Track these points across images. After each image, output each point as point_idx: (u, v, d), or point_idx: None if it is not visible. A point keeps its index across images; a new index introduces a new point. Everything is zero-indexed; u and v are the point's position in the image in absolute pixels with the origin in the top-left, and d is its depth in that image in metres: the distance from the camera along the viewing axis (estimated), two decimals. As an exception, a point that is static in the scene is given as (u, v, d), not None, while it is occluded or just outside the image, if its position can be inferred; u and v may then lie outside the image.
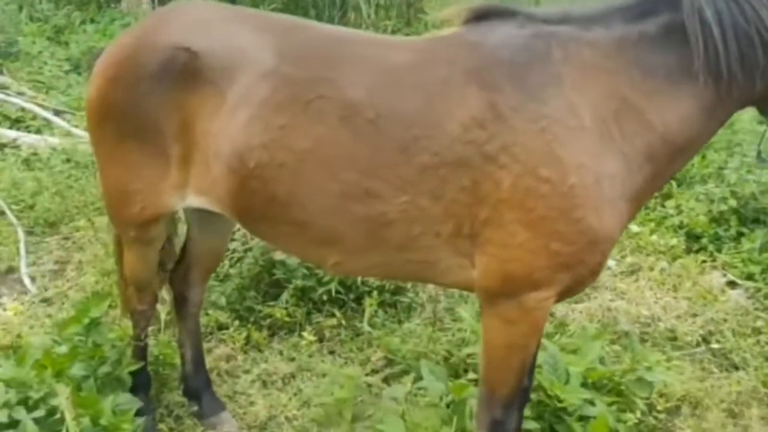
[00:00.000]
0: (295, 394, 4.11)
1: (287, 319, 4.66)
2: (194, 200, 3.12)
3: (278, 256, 4.73)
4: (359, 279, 4.78)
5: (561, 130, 2.57)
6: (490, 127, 2.60)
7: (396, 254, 2.84)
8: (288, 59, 2.82)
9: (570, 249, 2.64)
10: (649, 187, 2.77)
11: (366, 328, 4.52)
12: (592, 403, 3.52)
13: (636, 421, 3.66)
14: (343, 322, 4.69)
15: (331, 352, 4.52)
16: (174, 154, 2.99)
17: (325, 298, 4.76)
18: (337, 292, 4.75)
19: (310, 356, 4.43)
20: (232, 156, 2.84)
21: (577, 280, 2.76)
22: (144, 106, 2.95)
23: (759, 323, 4.67)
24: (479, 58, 2.69)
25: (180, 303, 3.81)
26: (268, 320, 4.68)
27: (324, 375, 4.26)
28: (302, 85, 2.78)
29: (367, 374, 4.27)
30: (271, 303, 4.74)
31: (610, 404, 3.66)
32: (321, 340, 4.59)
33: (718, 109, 2.64)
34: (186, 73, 2.88)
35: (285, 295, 4.74)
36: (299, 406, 4.02)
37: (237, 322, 4.60)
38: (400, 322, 4.71)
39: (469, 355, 4.10)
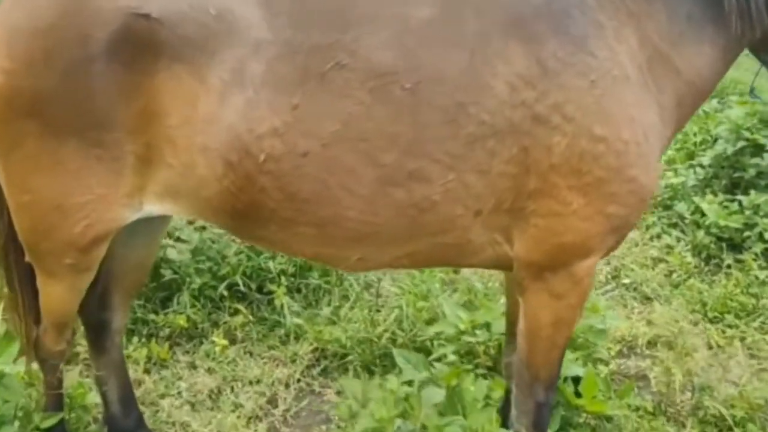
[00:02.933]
0: (234, 411, 3.62)
1: (187, 325, 4.09)
2: (155, 208, 2.54)
3: (171, 254, 4.12)
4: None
5: (610, 83, 2.39)
6: (539, 84, 2.35)
7: (430, 240, 2.52)
8: (287, 21, 2.33)
9: (624, 210, 2.49)
10: (673, 135, 2.70)
11: (290, 320, 4.10)
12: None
13: (608, 371, 3.67)
14: (251, 317, 4.23)
15: (249, 354, 4.05)
16: (130, 154, 2.38)
17: (225, 293, 4.25)
18: (237, 284, 4.27)
19: (229, 363, 3.93)
20: (231, 149, 2.31)
21: (621, 239, 2.64)
22: (86, 95, 2.30)
23: (653, 252, 4.93)
24: (512, 8, 2.40)
25: (98, 332, 3.15)
26: (167, 330, 4.09)
27: (258, 381, 3.80)
28: (312, 52, 2.31)
29: (302, 372, 3.89)
30: (166, 310, 4.14)
31: (575, 359, 3.64)
32: (233, 342, 4.11)
33: (731, 51, 2.61)
34: (145, 49, 2.28)
35: (181, 299, 4.17)
36: (247, 423, 3.55)
37: (134, 340, 3.95)
38: (310, 306, 4.34)
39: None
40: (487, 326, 3.63)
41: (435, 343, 3.85)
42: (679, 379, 3.51)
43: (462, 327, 3.53)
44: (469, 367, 3.47)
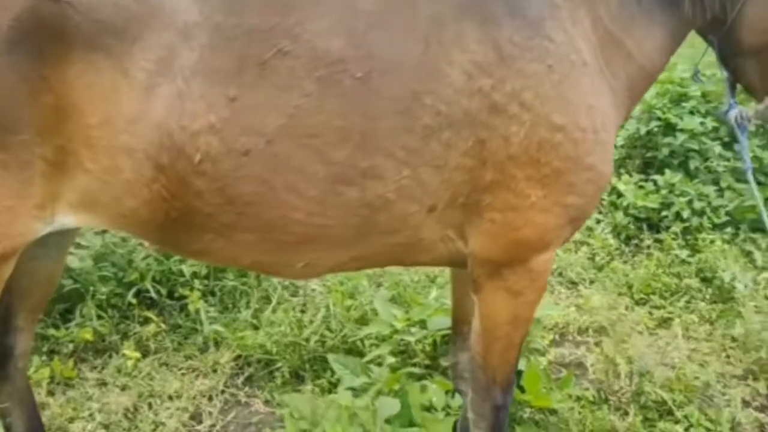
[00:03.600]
0: (155, 430, 3.34)
1: (93, 339, 3.76)
2: (69, 219, 2.24)
3: (71, 262, 3.76)
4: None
5: (568, 69, 2.27)
6: (495, 72, 2.19)
7: (381, 240, 2.33)
8: (219, 3, 2.08)
9: (582, 200, 2.38)
10: (623, 120, 2.62)
11: (207, 327, 3.83)
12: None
13: (547, 362, 3.61)
14: (164, 326, 3.93)
15: (165, 365, 3.76)
16: (40, 159, 2.07)
17: (133, 301, 3.94)
18: (146, 291, 3.96)
19: (144, 378, 3.63)
20: (161, 149, 2.05)
21: (576, 230, 2.54)
22: None
23: (575, 236, 4.91)
24: None
25: (1, 358, 2.80)
26: (71, 346, 3.74)
27: (178, 396, 3.53)
28: (250, 38, 2.07)
29: (225, 382, 3.64)
30: (68, 324, 3.79)
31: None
32: (146, 354, 3.80)
33: (680, 34, 2.54)
34: (55, 37, 1.98)
35: (84, 310, 3.82)
36: (173, 445, 3.28)
37: (35, 359, 3.58)
38: (227, 310, 4.08)
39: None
40: (422, 323, 3.49)
41: (366, 343, 3.68)
42: (620, 366, 3.47)
43: (398, 326, 3.37)
44: (408, 368, 3.32)
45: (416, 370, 3.32)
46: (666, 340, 3.82)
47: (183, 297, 4.03)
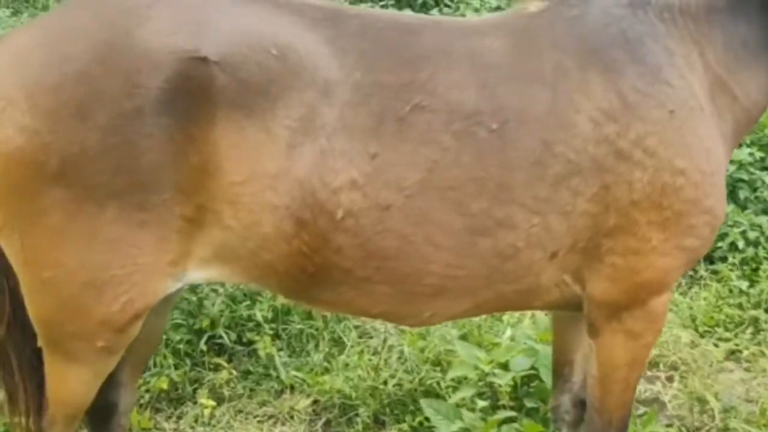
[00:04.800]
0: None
1: (168, 388, 3.75)
2: (200, 274, 2.26)
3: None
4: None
5: (688, 114, 2.33)
6: (620, 118, 2.25)
7: (504, 288, 2.36)
8: (356, 59, 2.13)
9: (699, 243, 2.43)
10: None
11: (283, 373, 3.82)
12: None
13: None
14: (235, 372, 3.92)
15: (241, 412, 3.75)
16: (179, 217, 2.10)
17: (204, 348, 3.93)
18: (216, 337, 3.96)
19: (222, 427, 3.62)
20: (303, 205, 2.08)
21: (687, 271, 2.58)
22: (131, 154, 2.01)
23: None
24: (588, 37, 2.29)
25: (103, 416, 2.79)
26: (146, 396, 3.72)
27: (260, 444, 3.52)
28: (388, 94, 2.12)
29: (304, 429, 3.63)
30: (143, 374, 3.77)
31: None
32: (221, 401, 3.78)
33: None
34: (203, 97, 2.01)
35: (158, 358, 3.81)
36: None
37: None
38: (295, 353, 4.07)
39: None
40: (504, 365, 3.50)
41: (443, 384, 3.68)
42: (706, 402, 3.48)
43: (486, 368, 3.38)
44: (498, 411, 3.32)
45: (507, 413, 3.31)
46: (747, 374, 3.83)
47: (251, 342, 4.02)
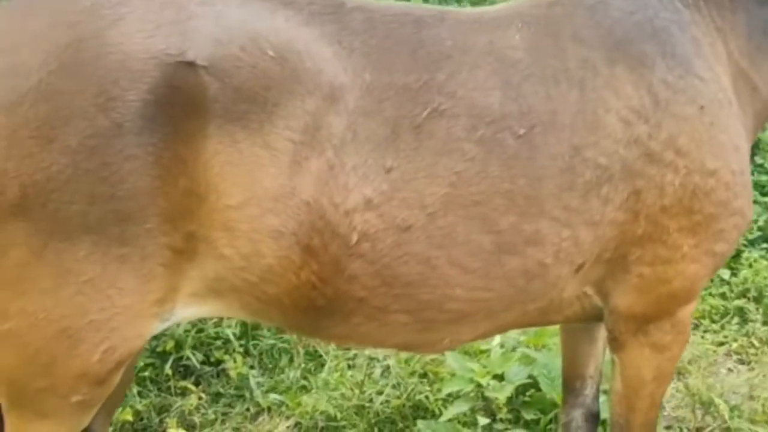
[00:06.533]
0: None
1: (133, 419, 3.44)
2: (191, 311, 1.99)
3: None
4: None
5: (717, 109, 2.15)
6: (652, 117, 2.05)
7: (526, 307, 2.15)
8: (363, 59, 1.87)
9: (727, 247, 2.28)
10: None
11: (259, 395, 3.55)
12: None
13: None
14: (204, 396, 3.63)
15: (214, 440, 3.47)
16: (166, 248, 1.81)
17: (169, 372, 3.62)
18: (186, 358, 3.66)
19: (196, 458, 3.34)
20: (312, 230, 1.82)
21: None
22: (108, 179, 1.71)
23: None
24: (613, 26, 2.08)
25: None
26: (110, 428, 3.40)
27: (240, 478, 3.25)
28: (401, 98, 1.87)
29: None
30: (104, 404, 3.45)
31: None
32: (192, 429, 3.49)
33: None
34: (192, 109, 1.73)
35: (120, 387, 3.48)
36: None
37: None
38: (268, 370, 3.81)
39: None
40: (501, 377, 3.30)
41: (431, 398, 3.47)
42: (709, 401, 3.36)
43: (483, 381, 3.18)
44: (497, 426, 3.13)
45: (505, 426, 3.13)
46: (751, 372, 3.72)
47: (220, 361, 3.74)
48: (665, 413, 3.56)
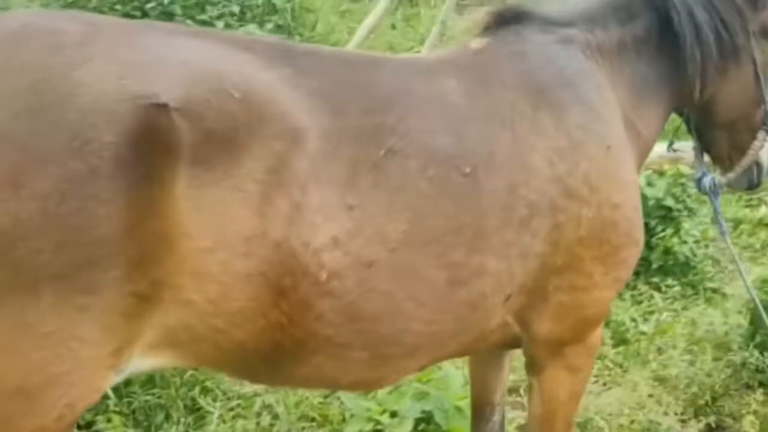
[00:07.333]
0: None
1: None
2: (146, 362, 1.93)
3: None
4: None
5: (620, 149, 2.42)
6: (569, 156, 2.27)
7: (463, 338, 2.27)
8: (321, 102, 1.93)
9: (627, 273, 2.54)
10: None
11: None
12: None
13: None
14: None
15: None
16: (129, 296, 1.75)
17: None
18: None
19: None
20: (283, 271, 1.83)
21: None
22: (78, 225, 1.64)
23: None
24: (531, 75, 2.29)
25: None
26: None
27: None
28: (358, 138, 1.95)
29: None
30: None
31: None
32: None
33: (670, 111, 2.76)
34: (164, 151, 1.71)
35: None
36: None
37: None
38: (145, 429, 3.64)
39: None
40: (394, 413, 3.39)
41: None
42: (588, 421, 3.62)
43: (383, 420, 3.25)
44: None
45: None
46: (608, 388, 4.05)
47: (91, 423, 3.53)
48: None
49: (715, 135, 2.86)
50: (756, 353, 4.01)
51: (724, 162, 2.91)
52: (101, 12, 8.23)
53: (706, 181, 2.94)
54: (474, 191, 2.07)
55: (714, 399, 3.96)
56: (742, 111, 2.78)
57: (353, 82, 2.03)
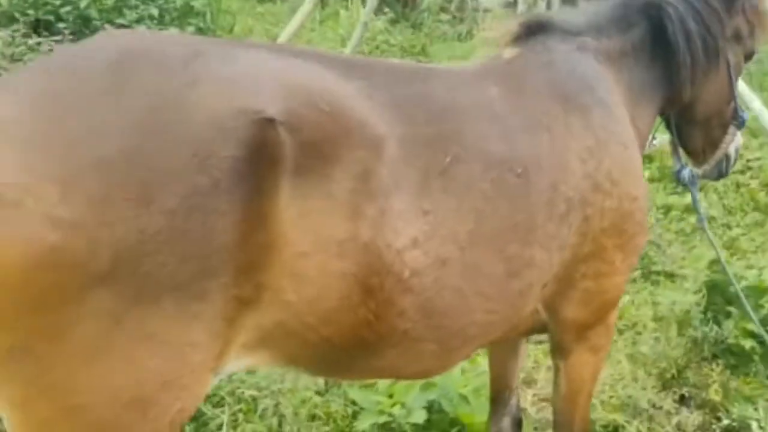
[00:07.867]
0: None
1: None
2: (240, 363, 2.04)
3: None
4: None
5: (632, 147, 2.67)
6: (596, 154, 2.50)
7: (508, 326, 2.46)
8: (393, 112, 2.08)
9: (637, 259, 2.78)
10: None
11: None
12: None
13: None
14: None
15: None
16: (233, 300, 1.85)
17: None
18: None
19: None
20: (371, 271, 1.98)
21: None
22: (200, 237, 1.73)
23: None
24: (557, 82, 2.51)
25: None
26: None
27: None
28: (426, 147, 2.11)
29: None
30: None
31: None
32: None
33: (659, 110, 3.03)
34: (272, 164, 1.82)
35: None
36: None
37: None
38: None
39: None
40: (402, 403, 3.54)
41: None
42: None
43: (394, 412, 3.40)
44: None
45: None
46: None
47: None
48: (532, 417, 4.03)
49: (692, 131, 3.17)
50: (715, 327, 4.38)
51: (698, 156, 3.24)
52: (11, 17, 8.04)
53: (686, 174, 3.23)
54: (525, 191, 2.27)
55: (679, 372, 4.30)
56: (717, 108, 3.11)
57: (413, 93, 2.19)
